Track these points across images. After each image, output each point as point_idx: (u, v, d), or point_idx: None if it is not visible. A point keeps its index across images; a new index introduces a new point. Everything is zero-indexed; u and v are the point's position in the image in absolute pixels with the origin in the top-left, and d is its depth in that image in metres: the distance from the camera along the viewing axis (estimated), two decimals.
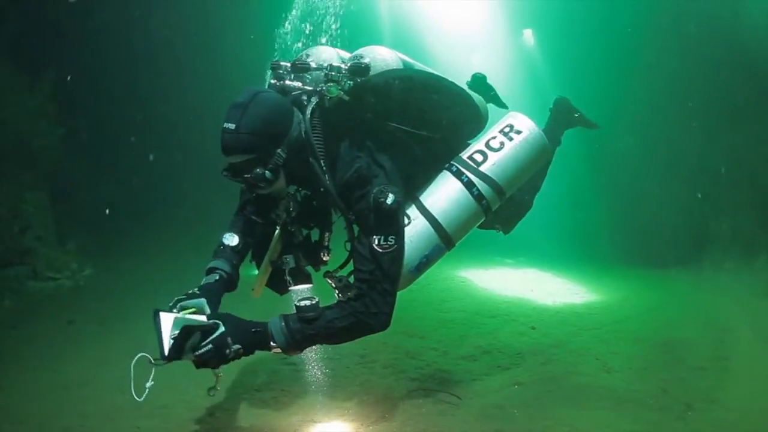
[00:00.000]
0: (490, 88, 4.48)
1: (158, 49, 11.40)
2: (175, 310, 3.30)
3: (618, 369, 5.22)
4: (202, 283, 3.60)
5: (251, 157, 3.24)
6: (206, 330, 3.10)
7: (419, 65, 3.99)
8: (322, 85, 3.47)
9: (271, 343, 3.26)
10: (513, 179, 3.92)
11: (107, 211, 9.14)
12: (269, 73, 3.79)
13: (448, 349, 5.73)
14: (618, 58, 11.56)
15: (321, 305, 3.34)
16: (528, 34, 14.86)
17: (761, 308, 6.84)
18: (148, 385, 3.14)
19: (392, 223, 3.37)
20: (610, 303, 7.82)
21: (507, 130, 3.97)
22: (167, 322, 3.14)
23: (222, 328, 3.11)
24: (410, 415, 4.26)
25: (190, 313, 3.29)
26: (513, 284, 8.99)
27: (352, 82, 3.48)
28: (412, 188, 3.73)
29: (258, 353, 3.30)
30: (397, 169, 3.52)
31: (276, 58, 3.81)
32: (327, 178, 3.40)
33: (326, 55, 3.81)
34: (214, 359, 3.08)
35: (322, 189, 3.44)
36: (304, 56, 3.77)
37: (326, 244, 3.82)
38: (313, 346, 3.49)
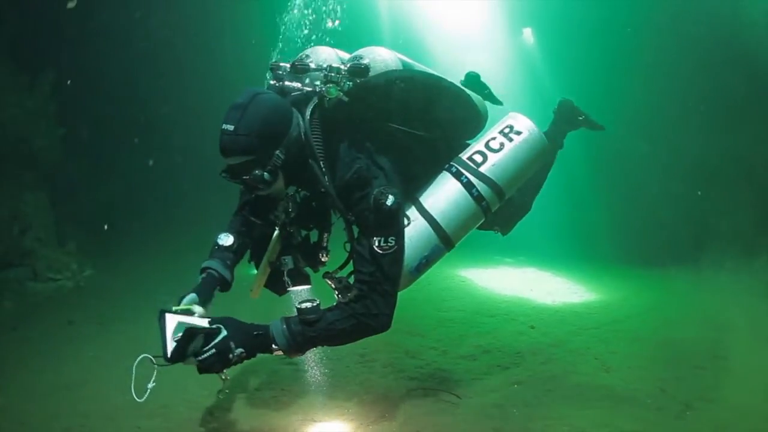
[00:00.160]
0: (484, 87, 4.46)
1: (158, 49, 11.41)
2: (179, 312, 3.32)
3: (617, 368, 5.22)
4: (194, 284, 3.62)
5: (250, 159, 3.23)
6: (209, 334, 3.11)
7: (419, 66, 3.97)
8: (322, 86, 3.47)
9: (273, 346, 3.26)
10: (512, 180, 3.92)
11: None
12: (269, 74, 3.79)
13: (448, 348, 5.74)
14: (617, 57, 11.56)
15: (322, 307, 3.35)
16: (527, 33, 14.85)
17: (760, 308, 6.84)
18: (149, 386, 3.15)
19: (392, 224, 3.37)
20: (609, 302, 7.82)
21: (507, 130, 3.96)
22: (171, 323, 3.15)
23: (224, 332, 3.12)
24: (410, 414, 4.28)
25: (182, 312, 3.31)
26: (512, 283, 9.00)
27: (351, 83, 3.47)
28: (412, 189, 3.73)
29: (259, 354, 3.30)
30: (396, 170, 3.52)
31: (275, 59, 3.81)
32: (326, 179, 3.39)
33: (325, 55, 3.79)
34: (217, 364, 3.09)
35: (321, 190, 3.43)
36: (304, 57, 3.76)
37: (325, 244, 3.81)
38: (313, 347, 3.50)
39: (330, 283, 3.58)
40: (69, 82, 9.10)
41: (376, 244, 3.31)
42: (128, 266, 8.96)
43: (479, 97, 4.30)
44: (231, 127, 3.17)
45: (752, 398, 4.50)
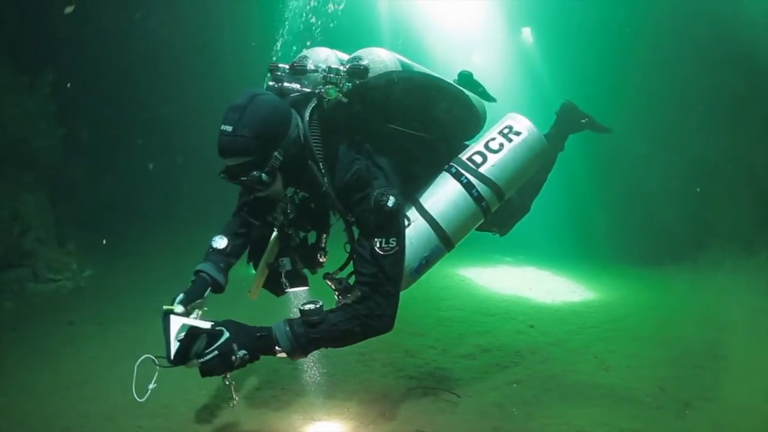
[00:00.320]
0: (478, 85, 4.45)
1: (158, 49, 11.42)
2: (183, 314, 3.33)
3: (616, 367, 5.23)
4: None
5: (248, 160, 3.21)
6: (212, 336, 3.12)
7: (418, 67, 3.96)
8: (321, 87, 3.46)
9: (276, 348, 3.27)
10: (512, 180, 3.92)
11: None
12: (268, 75, 3.78)
13: (447, 347, 5.75)
14: (616, 56, 11.56)
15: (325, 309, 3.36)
16: (526, 33, 14.86)
17: (760, 307, 6.84)
18: (150, 386, 3.16)
19: (393, 225, 3.37)
20: (608, 301, 7.84)
21: (506, 131, 3.97)
22: (175, 325, 3.17)
23: (227, 334, 3.13)
24: (410, 413, 4.29)
25: (186, 314, 3.33)
26: (512, 283, 9.02)
27: (350, 84, 3.48)
28: (412, 190, 3.73)
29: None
30: (395, 170, 3.53)
31: (274, 60, 3.81)
32: (326, 180, 3.39)
33: (324, 56, 3.78)
34: (220, 366, 3.10)
35: (321, 191, 3.43)
36: (302, 58, 3.74)
37: (323, 245, 3.81)
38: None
39: (330, 284, 3.58)
40: (69, 84, 9.11)
41: (378, 245, 3.31)
42: (128, 266, 8.97)
43: (478, 97, 4.31)
44: (229, 128, 3.16)
45: (751, 397, 4.50)
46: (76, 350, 5.68)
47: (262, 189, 3.33)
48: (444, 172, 3.83)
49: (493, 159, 3.83)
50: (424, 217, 3.63)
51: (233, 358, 3.10)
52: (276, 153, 3.27)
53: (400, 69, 3.78)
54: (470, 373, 5.11)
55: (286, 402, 4.47)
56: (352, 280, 3.52)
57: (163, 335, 3.20)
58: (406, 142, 3.64)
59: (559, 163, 5.02)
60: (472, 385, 4.85)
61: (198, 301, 3.52)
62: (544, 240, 11.50)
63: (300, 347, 3.27)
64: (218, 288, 3.73)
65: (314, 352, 3.38)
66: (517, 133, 3.95)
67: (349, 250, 3.60)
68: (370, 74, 3.57)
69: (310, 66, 3.61)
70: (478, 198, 3.73)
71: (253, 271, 3.95)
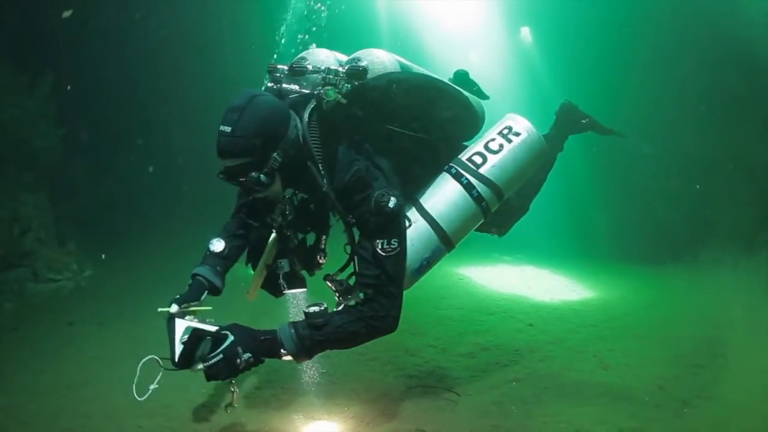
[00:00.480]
0: (473, 84, 4.46)
1: (158, 49, 11.42)
2: (188, 317, 3.35)
3: (615, 366, 5.24)
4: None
5: (246, 161, 3.22)
6: (216, 339, 3.13)
7: (417, 68, 3.98)
8: (320, 88, 3.46)
9: (281, 351, 3.28)
10: (511, 181, 3.94)
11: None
12: (267, 76, 3.79)
13: (447, 346, 5.77)
14: (615, 55, 11.55)
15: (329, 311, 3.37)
16: (525, 32, 14.86)
17: (759, 305, 6.83)
18: (152, 386, 3.18)
19: (394, 226, 3.38)
20: (607, 300, 7.85)
21: (506, 132, 3.98)
22: (180, 328, 3.18)
23: (231, 337, 3.14)
24: (409, 412, 4.30)
25: (191, 316, 3.35)
26: (511, 281, 9.03)
27: (349, 85, 3.48)
28: (412, 190, 3.74)
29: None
30: (395, 171, 3.53)
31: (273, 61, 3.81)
32: (325, 181, 3.39)
33: (323, 57, 3.79)
34: (225, 370, 3.11)
35: (320, 192, 3.43)
36: (301, 59, 3.75)
37: (323, 247, 3.81)
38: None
39: (330, 285, 3.59)
40: (69, 87, 9.12)
41: (379, 246, 3.31)
42: (128, 266, 8.98)
43: (476, 98, 4.32)
44: (228, 129, 3.16)
45: (750, 396, 4.50)
46: (76, 350, 5.70)
47: (260, 190, 3.34)
48: (444, 173, 3.84)
49: (493, 160, 3.85)
50: (424, 218, 3.64)
51: (238, 361, 3.11)
52: (275, 154, 3.27)
53: (399, 70, 3.80)
54: (470, 372, 5.12)
55: (286, 401, 4.49)
56: (352, 281, 3.54)
57: (164, 337, 3.22)
58: (406, 142, 3.65)
59: (559, 162, 5.01)
60: (472, 383, 4.87)
61: (194, 303, 3.53)
62: (543, 239, 11.51)
63: (305, 350, 3.28)
64: (215, 291, 3.75)
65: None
66: (517, 134, 3.96)
67: (349, 251, 3.61)
68: (369, 75, 3.57)
69: (309, 67, 3.60)
70: (478, 198, 3.74)
71: (252, 272, 3.96)
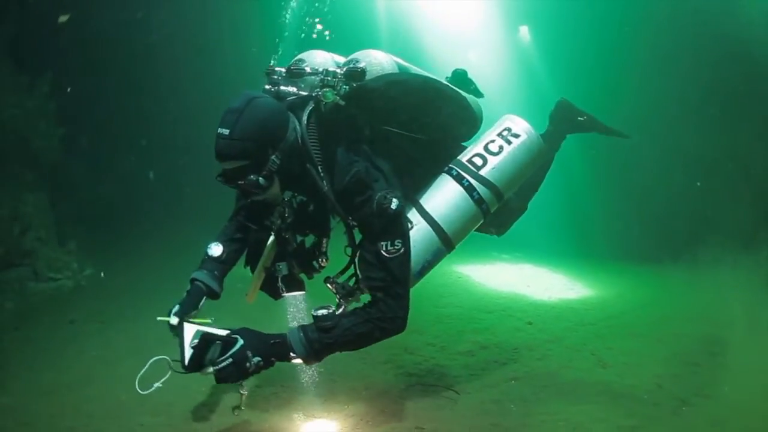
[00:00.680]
0: (471, 83, 4.48)
1: (158, 48, 11.42)
2: (197, 321, 3.37)
3: (613, 364, 5.26)
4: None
5: (245, 164, 3.21)
6: (226, 343, 3.16)
7: (415, 69, 3.98)
8: (318, 90, 3.46)
9: (291, 354, 3.30)
10: (511, 182, 3.97)
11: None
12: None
13: (446, 344, 5.79)
14: (613, 53, 11.57)
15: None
16: (524, 31, 14.86)
17: (758, 304, 6.83)
18: (156, 384, 3.21)
19: (397, 228, 3.38)
20: (605, 298, 7.88)
21: (505, 133, 4.00)
22: (190, 332, 3.21)
23: (241, 341, 3.16)
24: (409, 411, 4.33)
25: (200, 322, 3.38)
26: (510, 280, 9.05)
27: (347, 87, 3.47)
28: (412, 191, 3.75)
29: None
30: (395, 172, 3.54)
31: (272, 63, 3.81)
32: (324, 183, 3.39)
33: (321, 59, 3.79)
34: (235, 374, 3.14)
35: (320, 195, 3.43)
36: (299, 61, 3.74)
37: (324, 250, 3.80)
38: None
39: (331, 287, 3.61)
40: (69, 88, 9.12)
41: (384, 248, 3.32)
42: (128, 265, 8.98)
43: (475, 98, 4.33)
44: (226, 131, 3.16)
45: (749, 395, 4.52)
46: (78, 349, 5.69)
47: (259, 193, 3.33)
48: (444, 175, 3.85)
49: (493, 161, 3.87)
50: (425, 220, 3.66)
51: (248, 365, 3.13)
52: (273, 156, 3.27)
53: (397, 71, 3.80)
54: (469, 370, 5.15)
55: (286, 399, 4.50)
56: (352, 282, 3.56)
57: (164, 336, 3.25)
58: (404, 143, 3.66)
59: (558, 161, 5.01)
60: (471, 382, 4.89)
61: (193, 314, 3.56)
62: (542, 237, 11.53)
63: (314, 352, 3.30)
64: (214, 296, 3.77)
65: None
66: (516, 136, 3.98)
67: (349, 253, 3.63)
68: (368, 77, 3.58)
69: (307, 69, 3.60)
70: (478, 200, 3.77)
71: (250, 273, 3.98)
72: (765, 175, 8.79)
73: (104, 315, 6.74)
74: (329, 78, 3.46)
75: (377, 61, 3.74)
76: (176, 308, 3.52)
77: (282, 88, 3.64)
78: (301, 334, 3.29)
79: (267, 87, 3.69)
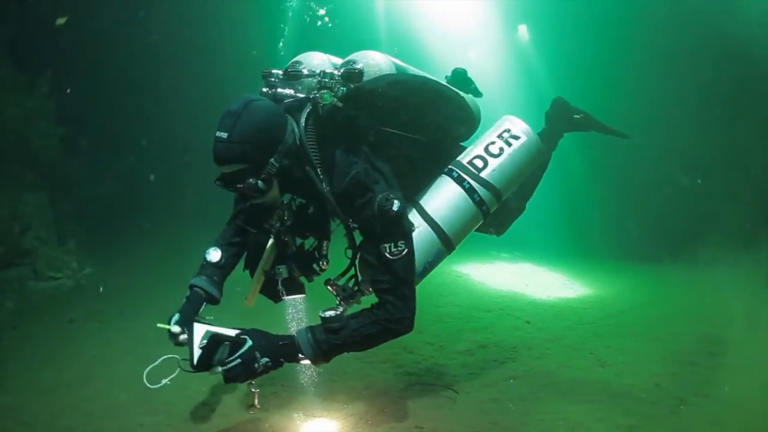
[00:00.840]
0: (470, 82, 4.48)
1: (158, 47, 11.41)
2: (207, 322, 3.39)
3: (611, 363, 5.27)
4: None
5: (244, 167, 3.20)
6: (235, 343, 3.18)
7: (412, 69, 3.98)
8: (316, 92, 3.45)
9: (299, 355, 3.33)
10: (511, 183, 4.00)
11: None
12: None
13: (445, 343, 5.79)
14: (612, 52, 11.56)
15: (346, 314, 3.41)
16: (522, 30, 14.86)
17: (756, 303, 6.84)
18: (165, 381, 3.24)
19: (400, 229, 3.39)
20: (604, 297, 7.88)
21: (505, 135, 4.02)
22: (200, 332, 3.23)
23: (250, 342, 3.19)
24: (408, 410, 4.34)
25: (210, 322, 3.39)
26: (508, 279, 9.05)
27: (345, 89, 3.46)
28: (411, 192, 3.76)
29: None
30: (394, 173, 3.53)
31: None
32: (324, 186, 3.38)
33: (318, 61, 3.77)
34: (243, 374, 3.17)
35: (319, 197, 3.42)
36: (296, 63, 3.72)
37: (324, 252, 3.79)
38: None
39: (331, 290, 3.63)
40: (68, 88, 9.12)
41: (387, 250, 3.33)
42: (128, 264, 8.98)
43: (473, 98, 4.34)
44: (224, 135, 3.14)
45: (747, 394, 4.53)
46: (77, 348, 5.71)
47: (258, 196, 3.32)
48: (445, 176, 3.87)
49: (494, 164, 3.89)
50: (427, 222, 3.67)
51: (256, 365, 3.17)
52: (272, 159, 3.26)
53: (395, 72, 3.79)
54: (468, 369, 5.16)
55: (286, 398, 4.51)
56: (351, 283, 3.57)
57: (164, 336, 3.26)
58: (404, 144, 3.67)
59: (556, 160, 5.01)
60: (470, 381, 4.90)
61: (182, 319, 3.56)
62: (541, 236, 11.53)
63: (322, 353, 3.33)
64: (213, 301, 3.77)
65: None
66: (516, 137, 4.00)
67: (350, 255, 3.64)
68: (365, 78, 3.56)
69: (304, 71, 3.59)
70: (479, 202, 3.79)
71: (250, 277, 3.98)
72: (764, 174, 8.80)
73: (103, 314, 6.75)
74: (327, 80, 3.45)
75: (374, 62, 3.73)
76: (176, 316, 3.50)
77: (279, 90, 3.62)
78: (309, 336, 3.31)
79: (264, 90, 3.67)
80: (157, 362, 3.33)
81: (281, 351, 3.30)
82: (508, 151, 3.95)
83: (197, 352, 3.19)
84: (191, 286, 3.74)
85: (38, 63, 8.76)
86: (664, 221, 10.26)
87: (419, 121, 3.74)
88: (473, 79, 4.49)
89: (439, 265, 3.85)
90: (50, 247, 8.13)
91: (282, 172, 3.32)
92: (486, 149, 3.96)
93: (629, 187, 11.36)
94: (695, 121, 9.75)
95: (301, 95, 3.58)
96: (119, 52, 10.76)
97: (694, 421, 4.18)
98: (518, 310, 7.08)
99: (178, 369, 3.30)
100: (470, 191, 3.78)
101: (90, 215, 9.76)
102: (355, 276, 3.70)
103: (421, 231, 3.63)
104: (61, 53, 9.06)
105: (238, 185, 3.25)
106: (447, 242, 3.71)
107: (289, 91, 3.62)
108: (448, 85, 4.16)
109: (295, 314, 4.17)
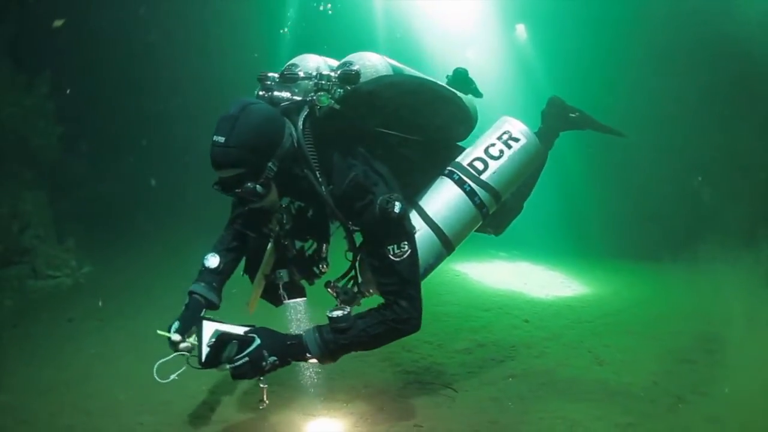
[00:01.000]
0: (471, 82, 4.48)
1: (158, 47, 11.42)
2: (217, 320, 3.40)
3: (610, 361, 5.28)
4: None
5: (241, 172, 3.18)
6: (243, 342, 3.21)
7: (409, 70, 3.97)
8: (312, 94, 3.44)
9: (307, 354, 3.35)
10: (510, 185, 4.02)
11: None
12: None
13: (444, 342, 5.79)
14: (610, 52, 11.56)
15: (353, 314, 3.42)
16: (520, 29, 14.84)
17: (756, 302, 6.84)
18: (173, 376, 3.27)
19: (402, 230, 3.40)
20: (602, 296, 7.88)
21: (505, 137, 4.03)
22: (209, 330, 3.25)
23: (258, 341, 3.22)
24: (407, 408, 4.35)
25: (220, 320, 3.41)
26: (507, 277, 9.04)
27: (342, 90, 3.45)
28: (411, 193, 3.76)
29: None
30: (393, 174, 3.54)
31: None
32: (323, 188, 3.37)
33: (314, 63, 3.74)
34: (251, 372, 3.21)
35: (318, 200, 3.42)
36: (292, 66, 3.70)
37: (324, 255, 3.78)
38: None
39: (332, 292, 3.64)
40: (68, 87, 9.13)
41: (391, 252, 3.34)
42: (127, 263, 8.98)
43: (470, 98, 4.34)
44: (222, 139, 3.12)
45: (745, 392, 4.53)
46: (76, 347, 5.71)
47: (256, 200, 3.31)
48: (445, 178, 3.88)
49: (494, 166, 3.92)
50: (427, 224, 3.69)
51: (263, 364, 3.21)
52: (270, 163, 3.24)
53: (392, 73, 3.77)
54: (466, 368, 5.16)
55: (286, 398, 4.50)
56: (352, 285, 3.58)
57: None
58: (401, 145, 3.68)
59: (554, 160, 5.01)
60: (469, 379, 4.91)
61: (194, 330, 3.55)
62: (538, 235, 11.52)
63: (329, 353, 3.35)
64: (212, 307, 3.76)
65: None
66: (516, 140, 4.02)
67: (350, 258, 3.65)
68: (362, 79, 3.54)
69: (301, 74, 3.58)
70: (479, 204, 3.81)
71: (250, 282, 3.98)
72: (764, 173, 8.81)
73: (103, 313, 6.74)
74: (323, 82, 3.45)
75: (371, 63, 3.70)
76: (176, 325, 3.50)
77: (276, 93, 3.61)
78: (317, 335, 3.34)
79: (260, 93, 3.67)
80: (168, 357, 3.37)
81: (289, 350, 3.32)
82: (508, 153, 3.97)
83: (206, 350, 3.21)
84: (190, 293, 3.74)
85: (37, 62, 8.77)
86: (664, 220, 10.25)
87: (417, 122, 3.74)
88: (473, 79, 4.50)
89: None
90: (49, 246, 8.14)
91: (280, 175, 3.31)
92: (486, 151, 3.97)
93: (628, 186, 11.35)
94: (694, 121, 9.76)
95: (298, 98, 3.57)
96: (119, 52, 10.77)
97: (692, 419, 4.19)
98: (516, 308, 7.07)
99: (186, 365, 3.32)
100: (471, 194, 3.80)
101: (89, 214, 9.77)
102: (355, 278, 3.71)
103: (421, 233, 3.63)
104: (60, 53, 9.08)
105: (237, 189, 3.23)
106: (447, 244, 3.73)
107: (286, 94, 3.60)
108: (446, 86, 4.15)
109: (297, 318, 4.18)
